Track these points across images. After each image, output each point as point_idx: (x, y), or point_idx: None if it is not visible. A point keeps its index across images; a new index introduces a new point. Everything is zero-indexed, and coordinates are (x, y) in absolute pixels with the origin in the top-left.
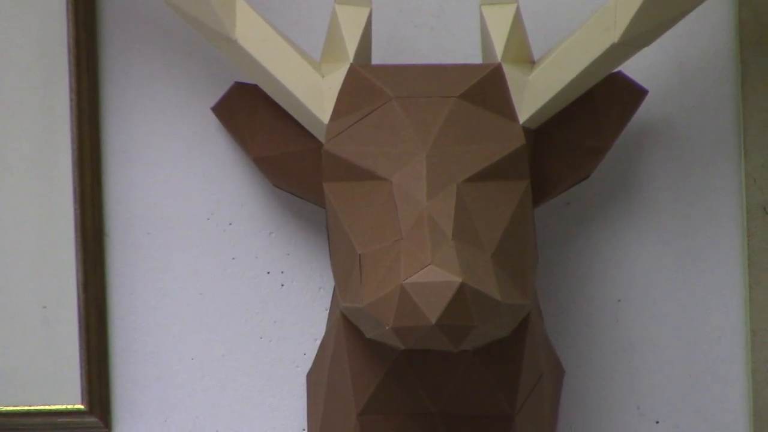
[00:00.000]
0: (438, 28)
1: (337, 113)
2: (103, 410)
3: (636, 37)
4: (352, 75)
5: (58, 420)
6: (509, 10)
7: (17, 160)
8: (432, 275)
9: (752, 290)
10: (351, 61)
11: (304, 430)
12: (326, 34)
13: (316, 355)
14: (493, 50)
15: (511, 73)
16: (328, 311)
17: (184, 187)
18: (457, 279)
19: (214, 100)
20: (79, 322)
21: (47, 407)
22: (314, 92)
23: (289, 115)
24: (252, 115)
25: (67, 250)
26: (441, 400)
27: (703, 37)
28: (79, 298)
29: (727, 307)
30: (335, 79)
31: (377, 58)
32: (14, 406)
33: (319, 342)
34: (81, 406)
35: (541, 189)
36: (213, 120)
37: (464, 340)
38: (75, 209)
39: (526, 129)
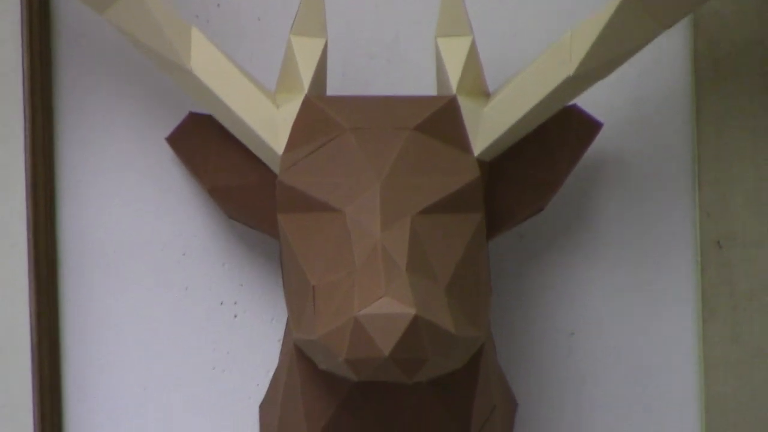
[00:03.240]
0: (393, 59)
1: (291, 144)
2: None
3: (591, 71)
4: (306, 106)
5: None
6: (464, 43)
7: None
8: (386, 307)
9: (705, 324)
10: (306, 92)
11: None
12: (281, 65)
13: (269, 386)
14: (448, 82)
15: (466, 106)
16: (281, 342)
17: (138, 218)
18: (411, 311)
19: (169, 130)
20: (32, 351)
21: None
22: (269, 123)
23: (243, 146)
24: (206, 145)
25: (21, 279)
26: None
27: (659, 70)
28: (32, 328)
29: (680, 340)
30: (290, 110)
31: (332, 89)
32: None
33: (272, 373)
34: None
35: (495, 221)
36: (167, 150)
37: (418, 372)
38: (28, 239)
39: (480, 161)
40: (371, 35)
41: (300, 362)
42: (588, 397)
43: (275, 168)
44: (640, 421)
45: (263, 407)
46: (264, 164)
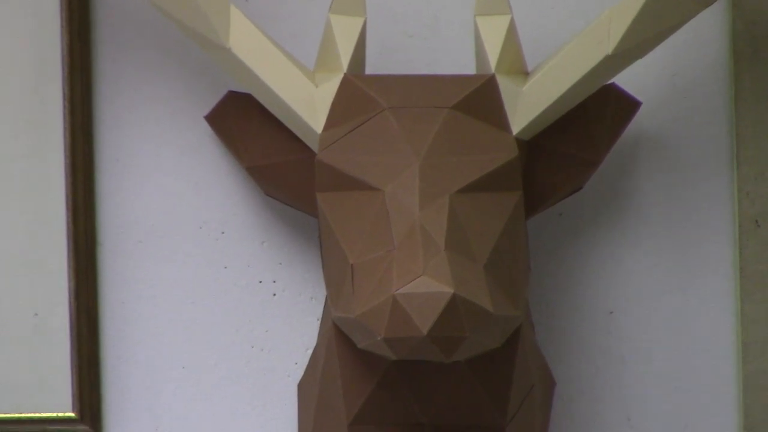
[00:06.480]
0: (432, 38)
1: (330, 123)
2: (94, 418)
3: (630, 49)
4: (345, 85)
5: (49, 428)
6: (503, 21)
7: (10, 168)
8: (424, 286)
9: (743, 303)
10: (345, 70)
11: None
12: (320, 44)
13: (308, 364)
14: (486, 61)
15: (504, 84)
16: (319, 321)
17: (177, 196)
18: (449, 290)
19: (207, 108)
20: (71, 330)
21: (38, 415)
22: (308, 102)
23: (282, 124)
24: (245, 124)
25: (60, 258)
26: (432, 410)
27: (697, 49)
28: (70, 306)
29: (718, 319)
30: (329, 88)
31: (371, 68)
32: (5, 413)
33: (310, 352)
34: (72, 414)
35: (533, 200)
36: (206, 129)
37: (456, 350)
38: (67, 218)
39: (519, 140)
40: (410, 14)
41: (338, 341)
42: (627, 375)
43: (314, 146)
44: (677, 400)
45: (302, 386)
46: (302, 143)
